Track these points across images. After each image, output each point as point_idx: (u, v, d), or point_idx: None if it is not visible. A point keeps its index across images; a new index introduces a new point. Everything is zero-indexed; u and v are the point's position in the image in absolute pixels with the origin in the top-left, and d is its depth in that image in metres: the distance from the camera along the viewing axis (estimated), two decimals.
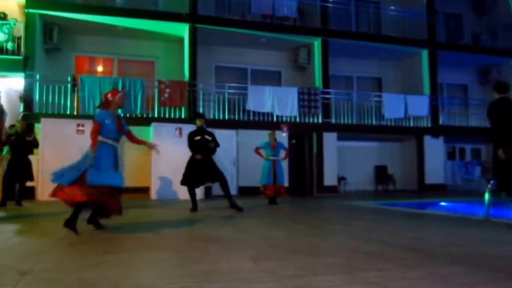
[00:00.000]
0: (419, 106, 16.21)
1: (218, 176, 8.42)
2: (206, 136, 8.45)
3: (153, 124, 12.43)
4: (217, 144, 8.52)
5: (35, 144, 9.82)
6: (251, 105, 14.22)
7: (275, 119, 14.32)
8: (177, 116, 13.50)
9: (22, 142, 9.45)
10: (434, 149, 16.29)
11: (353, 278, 3.00)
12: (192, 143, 8.43)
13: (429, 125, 16.38)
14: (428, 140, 16.27)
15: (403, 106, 15.95)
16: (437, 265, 3.42)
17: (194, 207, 8.30)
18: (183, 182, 8.48)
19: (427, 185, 15.93)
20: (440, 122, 16.72)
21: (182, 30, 14.31)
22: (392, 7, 17.18)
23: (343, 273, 3.15)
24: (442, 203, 11.48)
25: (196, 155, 8.28)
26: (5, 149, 10.15)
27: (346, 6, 16.54)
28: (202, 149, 8.30)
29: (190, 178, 8.37)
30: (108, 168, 5.53)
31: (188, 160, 8.48)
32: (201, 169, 8.28)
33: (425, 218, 7.46)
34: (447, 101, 17.75)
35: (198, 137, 8.43)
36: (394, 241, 4.57)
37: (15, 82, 13.40)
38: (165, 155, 11.93)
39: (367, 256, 3.77)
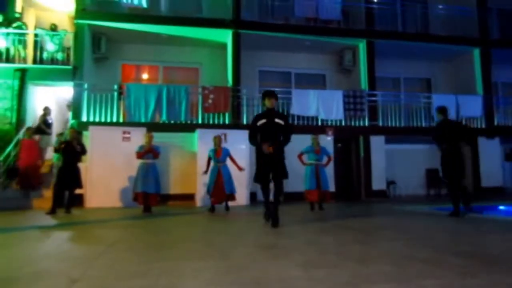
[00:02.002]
0: (472, 106, 15.55)
1: (280, 175, 6.46)
2: (277, 120, 6.45)
3: (198, 131, 12.47)
4: (290, 132, 6.61)
5: (82, 152, 10.01)
6: (295, 109, 14.02)
7: (320, 123, 14.09)
8: (221, 122, 13.49)
9: (72, 149, 9.66)
10: (490, 150, 15.56)
11: (409, 287, 2.80)
12: (254, 130, 6.51)
13: (484, 126, 15.68)
14: (483, 141, 15.57)
15: (454, 107, 15.31)
16: (500, 273, 3.16)
17: (270, 216, 6.52)
18: (255, 179, 6.64)
19: (484, 188, 15.20)
20: (496, 122, 15.98)
21: (226, 36, 14.36)
22: (441, 6, 16.63)
23: (398, 281, 2.95)
24: (501, 207, 10.92)
25: (264, 146, 6.31)
26: (55, 156, 10.44)
27: (391, 6, 16.15)
28: (269, 137, 6.40)
29: (260, 172, 6.52)
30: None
31: (256, 152, 6.67)
32: (269, 160, 6.37)
33: (483, 223, 7.03)
34: (502, 101, 16.94)
35: (263, 121, 6.44)
36: (451, 247, 4.31)
37: (65, 91, 13.84)
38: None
39: (423, 263, 3.54)
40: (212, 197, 9.78)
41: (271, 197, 6.63)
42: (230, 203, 10.26)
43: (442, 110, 8.34)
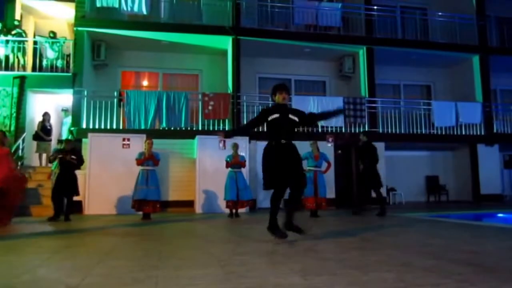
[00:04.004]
0: (471, 113, 15.55)
1: (299, 182, 5.47)
2: (291, 116, 5.49)
3: (198, 137, 12.46)
4: (310, 121, 5.85)
5: (79, 162, 10.01)
6: None
7: (320, 129, 14.06)
8: (221, 128, 13.48)
9: (67, 159, 9.74)
10: (489, 157, 15.57)
11: None
12: (259, 122, 5.72)
13: (483, 133, 15.67)
14: (482, 148, 15.58)
15: (454, 113, 15.34)
16: (499, 281, 3.12)
17: (274, 226, 5.39)
18: (265, 185, 5.51)
19: (483, 196, 15.19)
20: (495, 129, 15.98)
21: (226, 42, 14.38)
22: (440, 13, 16.67)
23: None
24: (500, 215, 10.90)
25: (279, 140, 5.41)
26: (54, 164, 10.46)
27: (391, 13, 16.20)
28: (282, 135, 5.43)
29: (272, 176, 5.40)
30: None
31: (264, 151, 5.55)
32: (284, 162, 5.36)
33: (482, 230, 7.01)
34: (501, 108, 16.95)
35: (275, 116, 5.46)
36: (449, 255, 4.27)
37: (64, 98, 13.83)
38: (209, 167, 12.00)
39: (421, 270, 3.50)
40: (231, 204, 10.28)
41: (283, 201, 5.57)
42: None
43: (367, 133, 11.08)
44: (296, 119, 5.53)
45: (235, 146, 10.46)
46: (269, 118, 5.49)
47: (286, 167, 5.34)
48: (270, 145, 5.50)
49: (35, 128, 13.41)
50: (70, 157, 9.69)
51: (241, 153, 11.06)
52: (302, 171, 5.63)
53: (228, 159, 10.32)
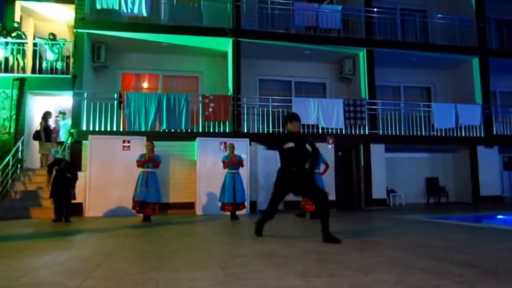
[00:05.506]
0: (471, 115, 15.54)
1: (315, 194, 5.96)
2: (307, 146, 6.00)
3: (198, 139, 12.45)
4: (317, 157, 6.24)
5: (73, 179, 10.15)
6: None
7: (320, 131, 14.07)
8: (222, 130, 13.47)
9: (61, 167, 10.00)
10: (489, 159, 15.56)
11: None
12: (276, 145, 6.18)
13: (483, 134, 15.66)
14: (481, 150, 15.57)
15: (453, 115, 15.33)
16: (498, 282, 3.14)
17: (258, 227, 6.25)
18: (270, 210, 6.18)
19: (482, 197, 15.16)
20: (495, 131, 15.98)
21: (226, 44, 14.38)
22: (440, 15, 16.69)
23: None
24: (499, 216, 10.90)
25: (291, 167, 5.93)
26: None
27: (391, 15, 16.20)
28: (296, 163, 5.94)
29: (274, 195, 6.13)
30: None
31: (278, 175, 6.10)
32: (295, 186, 5.98)
33: (482, 232, 7.02)
34: (501, 110, 16.96)
35: (291, 145, 5.94)
36: (449, 256, 4.28)
37: (64, 101, 13.82)
38: (210, 169, 12.00)
39: (422, 272, 3.52)
40: (227, 206, 10.24)
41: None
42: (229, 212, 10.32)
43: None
44: (310, 148, 5.99)
45: (231, 147, 10.41)
46: (285, 147, 5.93)
47: (296, 189, 5.94)
48: (283, 171, 5.98)
49: (36, 129, 13.33)
50: (66, 176, 9.90)
51: (242, 154, 11.04)
52: (316, 188, 6.00)
53: (225, 159, 10.26)
